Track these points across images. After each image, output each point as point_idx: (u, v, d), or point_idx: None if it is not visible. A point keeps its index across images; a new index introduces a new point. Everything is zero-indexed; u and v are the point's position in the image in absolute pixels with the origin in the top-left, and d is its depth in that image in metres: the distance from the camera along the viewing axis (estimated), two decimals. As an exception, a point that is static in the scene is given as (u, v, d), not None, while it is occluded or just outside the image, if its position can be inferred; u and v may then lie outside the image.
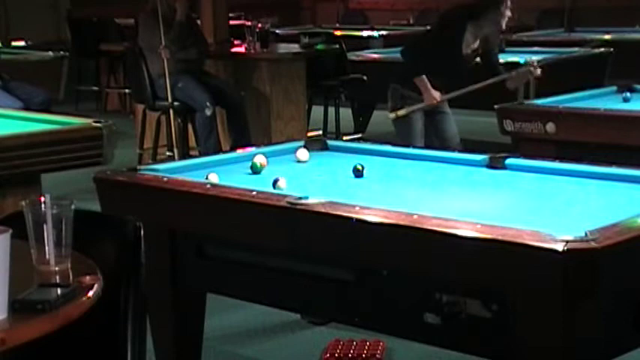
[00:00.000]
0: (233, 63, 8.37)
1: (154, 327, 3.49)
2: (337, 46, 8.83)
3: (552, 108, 5.57)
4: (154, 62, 7.53)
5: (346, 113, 9.09)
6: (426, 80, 5.76)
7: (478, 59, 5.95)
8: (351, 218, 3.02)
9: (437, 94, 5.79)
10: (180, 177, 3.71)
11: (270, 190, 3.46)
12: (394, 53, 9.20)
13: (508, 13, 5.67)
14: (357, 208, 3.06)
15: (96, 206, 3.54)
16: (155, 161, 6.55)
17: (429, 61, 5.80)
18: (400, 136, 5.87)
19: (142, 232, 2.63)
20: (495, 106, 5.69)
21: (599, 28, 10.53)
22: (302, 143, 4.32)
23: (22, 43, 11.30)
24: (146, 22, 7.63)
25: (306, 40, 9.05)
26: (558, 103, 5.70)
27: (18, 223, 2.32)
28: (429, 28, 6.35)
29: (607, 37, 9.91)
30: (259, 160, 3.89)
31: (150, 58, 7.58)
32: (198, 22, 8.50)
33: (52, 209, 2.33)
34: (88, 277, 2.28)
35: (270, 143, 5.29)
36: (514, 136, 5.59)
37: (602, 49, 8.45)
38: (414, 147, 4.62)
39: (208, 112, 7.38)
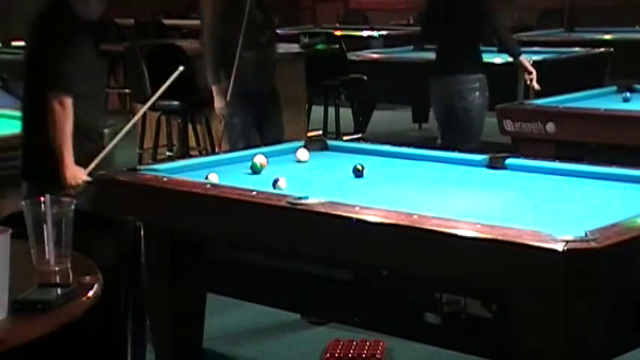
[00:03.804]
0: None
1: (154, 327, 3.50)
2: (337, 46, 8.82)
3: (552, 108, 5.56)
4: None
5: (346, 113, 9.08)
6: None
7: None
8: (351, 218, 3.02)
9: None
10: (180, 177, 3.71)
11: (270, 190, 3.46)
12: (394, 53, 9.25)
13: None
14: (357, 208, 3.06)
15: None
16: (155, 161, 6.53)
17: None
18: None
19: (142, 232, 2.63)
20: (495, 106, 5.70)
21: (599, 28, 10.52)
22: (302, 143, 4.32)
23: (22, 43, 11.28)
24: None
25: (306, 40, 9.05)
26: (558, 103, 5.69)
27: (18, 223, 2.32)
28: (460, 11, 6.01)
29: (607, 37, 9.90)
30: (259, 160, 3.89)
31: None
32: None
33: (52, 209, 2.33)
34: (88, 277, 2.29)
35: (270, 143, 5.28)
36: (514, 136, 5.59)
37: (602, 49, 8.45)
38: (414, 147, 4.61)
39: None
